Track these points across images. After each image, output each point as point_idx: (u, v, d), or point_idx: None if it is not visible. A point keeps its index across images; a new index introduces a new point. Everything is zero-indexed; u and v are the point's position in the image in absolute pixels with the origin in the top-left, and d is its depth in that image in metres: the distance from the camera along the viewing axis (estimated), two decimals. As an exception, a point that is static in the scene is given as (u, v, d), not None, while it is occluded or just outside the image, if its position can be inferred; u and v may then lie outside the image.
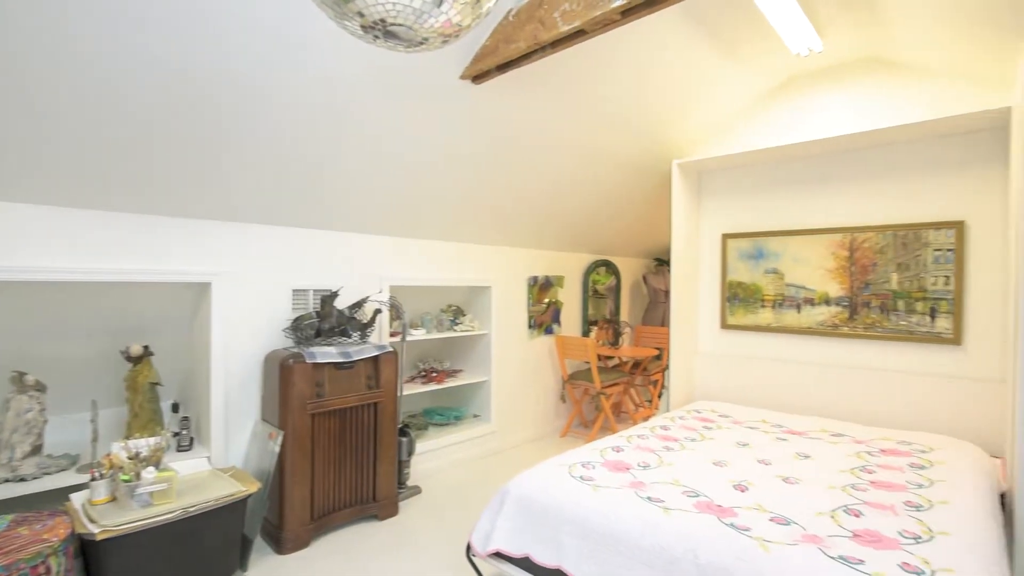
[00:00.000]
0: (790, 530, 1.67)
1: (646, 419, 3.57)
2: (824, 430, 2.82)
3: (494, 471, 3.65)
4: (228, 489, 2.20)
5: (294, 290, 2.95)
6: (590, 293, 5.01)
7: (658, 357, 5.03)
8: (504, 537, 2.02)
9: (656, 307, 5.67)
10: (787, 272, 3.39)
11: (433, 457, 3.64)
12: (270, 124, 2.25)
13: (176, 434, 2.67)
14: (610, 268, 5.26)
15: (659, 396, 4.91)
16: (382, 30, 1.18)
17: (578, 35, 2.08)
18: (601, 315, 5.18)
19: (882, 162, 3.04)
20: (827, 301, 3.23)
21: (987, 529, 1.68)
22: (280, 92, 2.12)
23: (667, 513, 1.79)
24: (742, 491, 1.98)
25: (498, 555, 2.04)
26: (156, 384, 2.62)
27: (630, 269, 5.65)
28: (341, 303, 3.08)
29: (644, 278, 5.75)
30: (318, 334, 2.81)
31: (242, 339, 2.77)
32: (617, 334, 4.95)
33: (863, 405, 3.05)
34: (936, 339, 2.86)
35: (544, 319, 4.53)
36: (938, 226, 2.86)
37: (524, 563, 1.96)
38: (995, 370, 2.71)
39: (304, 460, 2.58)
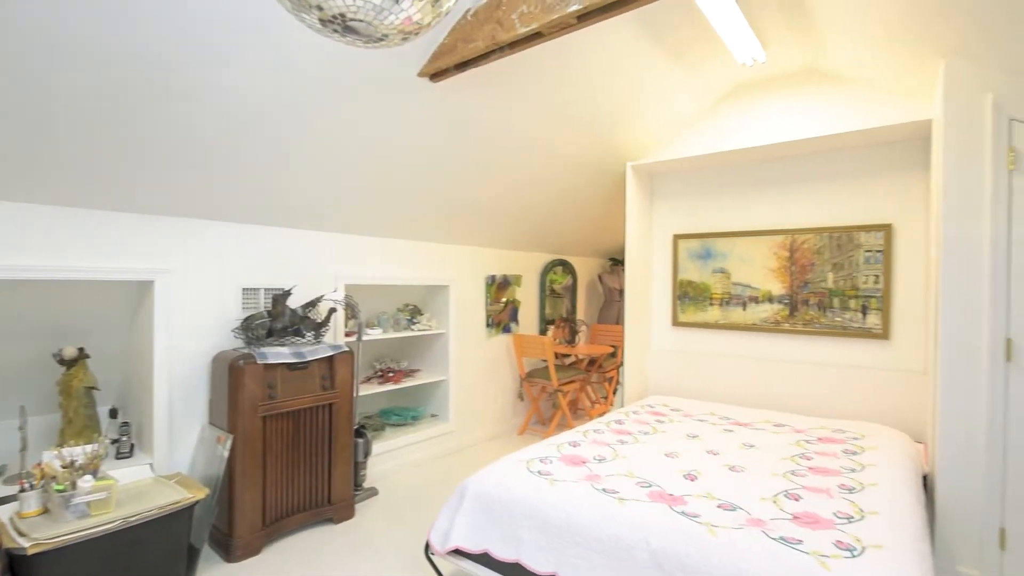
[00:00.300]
0: (736, 515, 1.76)
1: (602, 415, 3.65)
2: (767, 421, 2.97)
3: (452, 470, 3.65)
4: (172, 496, 2.11)
5: (244, 289, 2.85)
6: (547, 292, 5.08)
7: (613, 354, 5.15)
8: (463, 534, 2.03)
9: (611, 306, 5.80)
10: (734, 271, 3.54)
11: (390, 458, 3.60)
12: (218, 115, 2.16)
13: (115, 441, 2.53)
14: (566, 267, 5.35)
15: (614, 392, 5.02)
16: (341, 24, 1.17)
17: (535, 37, 2.11)
18: (558, 314, 5.25)
19: (820, 168, 3.23)
20: (770, 299, 3.40)
21: (912, 508, 1.82)
22: (228, 82, 2.05)
23: (621, 503, 1.85)
24: (692, 480, 2.07)
25: (457, 552, 2.04)
26: (92, 388, 2.48)
27: (586, 268, 5.76)
28: (294, 302, 3.00)
29: (599, 277, 5.88)
30: (270, 334, 2.73)
31: (187, 340, 2.65)
32: (573, 332, 5.04)
33: (803, 396, 3.24)
34: (867, 334, 3.07)
35: (502, 318, 4.55)
36: (868, 228, 3.06)
37: (483, 559, 1.98)
38: (919, 362, 2.93)
39: (255, 464, 2.50)
